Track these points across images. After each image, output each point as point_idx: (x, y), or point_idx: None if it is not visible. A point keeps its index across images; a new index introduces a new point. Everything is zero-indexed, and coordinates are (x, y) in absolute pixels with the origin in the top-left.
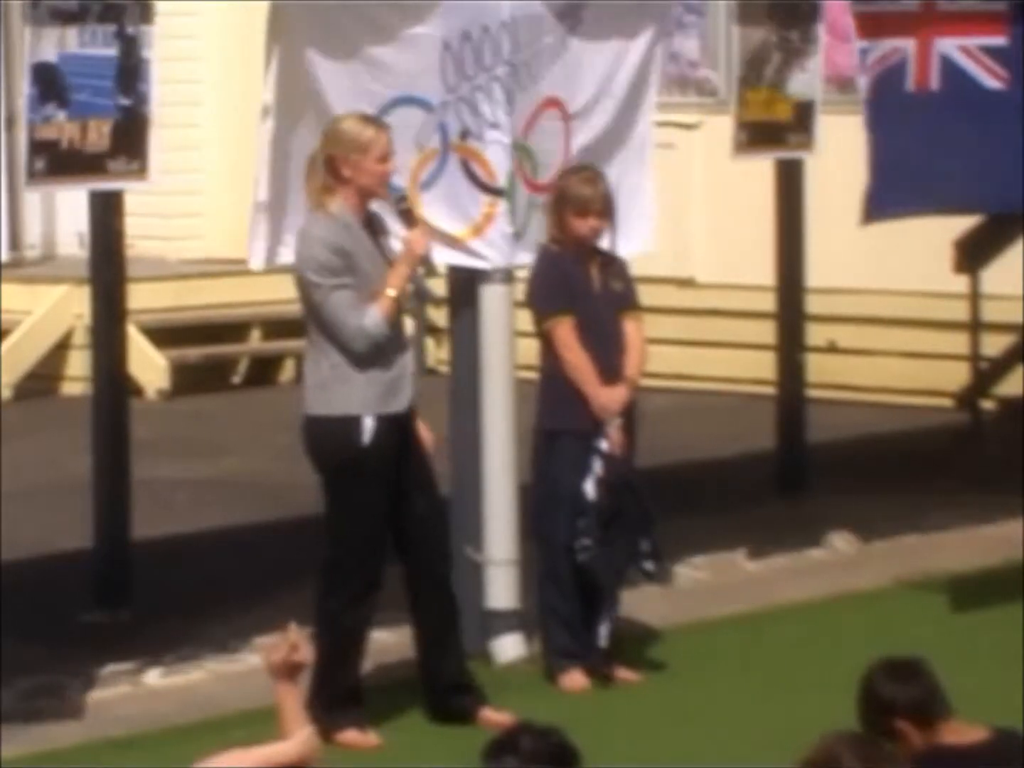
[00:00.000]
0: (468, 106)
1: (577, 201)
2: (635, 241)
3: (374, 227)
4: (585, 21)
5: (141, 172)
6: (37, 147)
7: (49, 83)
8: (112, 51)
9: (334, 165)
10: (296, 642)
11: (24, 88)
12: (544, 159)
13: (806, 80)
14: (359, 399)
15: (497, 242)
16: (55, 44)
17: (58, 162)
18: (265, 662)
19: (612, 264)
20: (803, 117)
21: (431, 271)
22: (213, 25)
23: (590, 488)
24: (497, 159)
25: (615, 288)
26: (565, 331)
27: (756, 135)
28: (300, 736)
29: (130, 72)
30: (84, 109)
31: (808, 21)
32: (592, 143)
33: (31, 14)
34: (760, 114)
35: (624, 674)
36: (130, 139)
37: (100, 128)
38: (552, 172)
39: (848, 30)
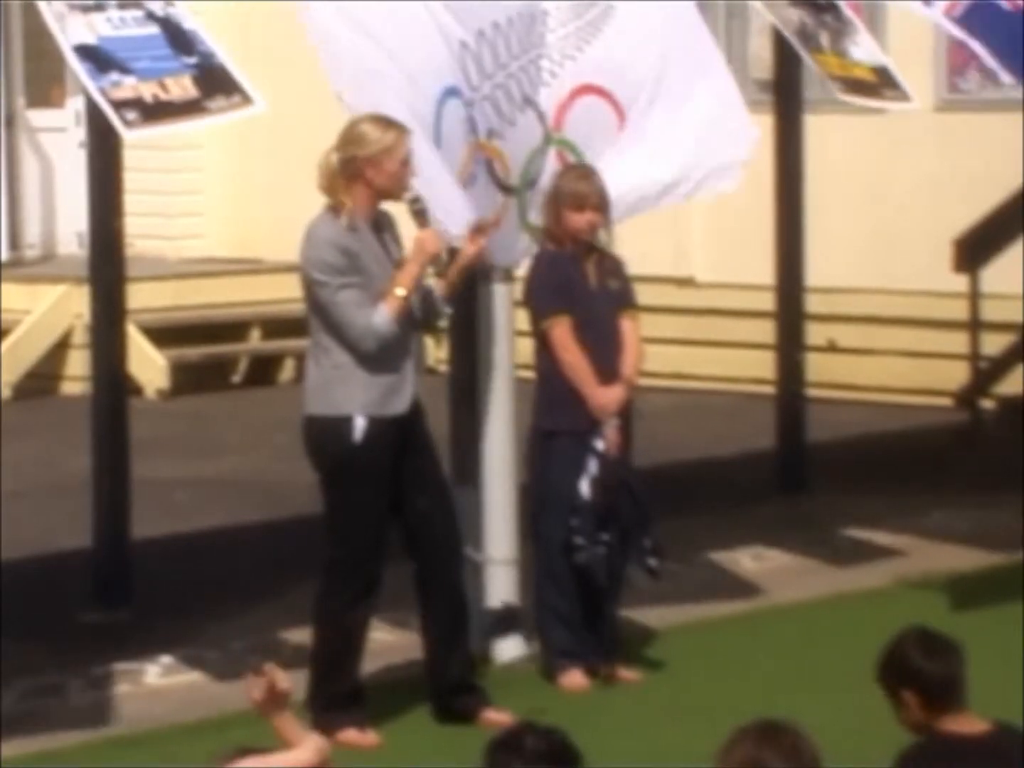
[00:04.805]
0: (492, 105)
1: (573, 196)
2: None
3: (381, 226)
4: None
5: (245, 101)
6: (118, 104)
7: (100, 59)
8: (153, 29)
9: (356, 166)
10: (273, 679)
11: (73, 64)
12: (588, 145)
13: (865, 51)
14: (358, 400)
15: (506, 240)
16: (87, 29)
17: (150, 111)
18: (250, 700)
19: (609, 262)
20: (886, 78)
21: (441, 272)
22: (212, 24)
23: (584, 487)
24: (514, 157)
25: (612, 287)
26: (563, 331)
27: (851, 87)
28: (311, 742)
29: (182, 42)
30: (151, 72)
31: (831, 7)
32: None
33: (49, 8)
34: (842, 72)
35: (624, 673)
36: (218, 82)
37: (180, 82)
38: (605, 154)
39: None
